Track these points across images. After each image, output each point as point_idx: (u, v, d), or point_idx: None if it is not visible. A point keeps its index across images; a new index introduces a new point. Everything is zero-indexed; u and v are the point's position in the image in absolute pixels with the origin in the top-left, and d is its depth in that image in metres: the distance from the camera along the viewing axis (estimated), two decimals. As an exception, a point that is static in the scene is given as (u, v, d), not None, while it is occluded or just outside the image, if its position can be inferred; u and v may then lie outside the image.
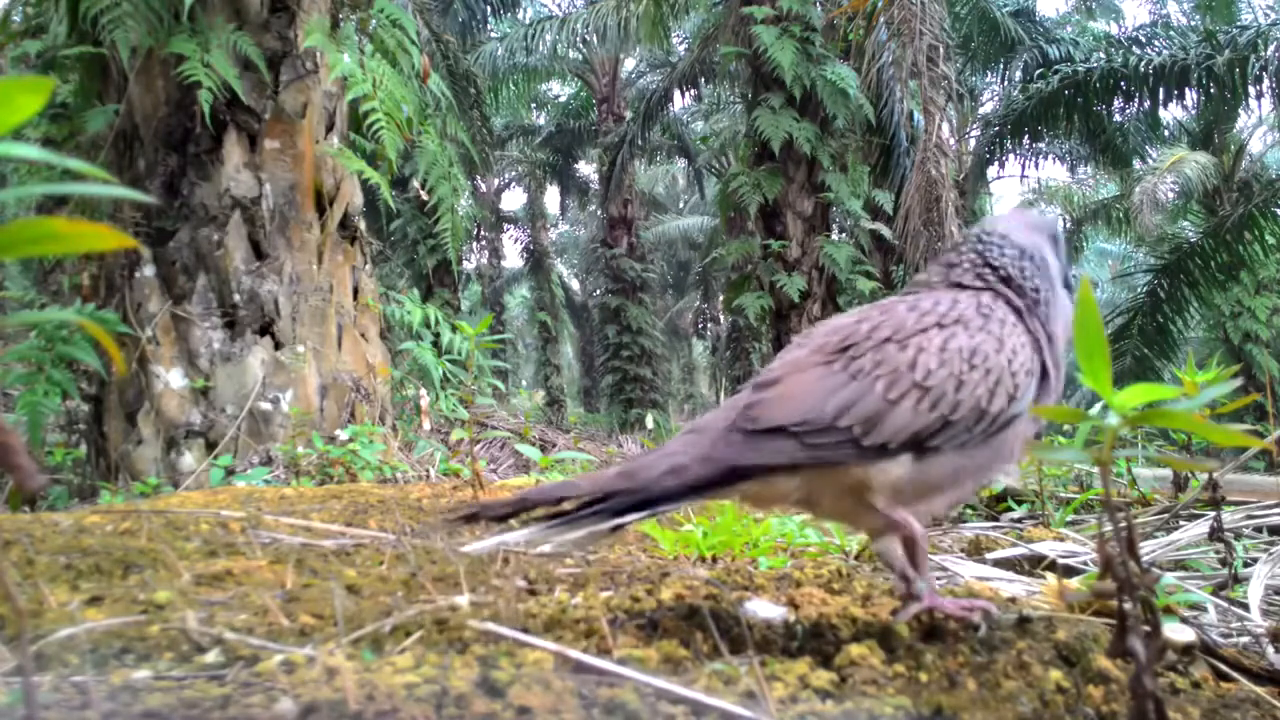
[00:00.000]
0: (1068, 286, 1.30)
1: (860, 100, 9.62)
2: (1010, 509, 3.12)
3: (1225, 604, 1.51)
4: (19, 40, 4.89)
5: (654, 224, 24.94)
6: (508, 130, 21.55)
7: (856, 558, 1.93)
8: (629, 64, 20.83)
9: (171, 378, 4.26)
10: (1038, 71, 13.66)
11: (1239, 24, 13.62)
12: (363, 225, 5.01)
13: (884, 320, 1.17)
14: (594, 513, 1.08)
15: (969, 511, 3.14)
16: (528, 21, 17.70)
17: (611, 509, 1.07)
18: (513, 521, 1.13)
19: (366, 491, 2.53)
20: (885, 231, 10.66)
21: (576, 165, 24.04)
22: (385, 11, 4.88)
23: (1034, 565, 1.92)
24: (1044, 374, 1.19)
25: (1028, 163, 16.85)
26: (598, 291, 21.61)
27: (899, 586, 1.20)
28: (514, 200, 28.62)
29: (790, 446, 1.09)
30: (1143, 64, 11.90)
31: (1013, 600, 1.38)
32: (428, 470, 4.50)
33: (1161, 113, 14.20)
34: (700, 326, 28.88)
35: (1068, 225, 18.95)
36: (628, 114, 18.74)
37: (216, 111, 4.27)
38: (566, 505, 1.10)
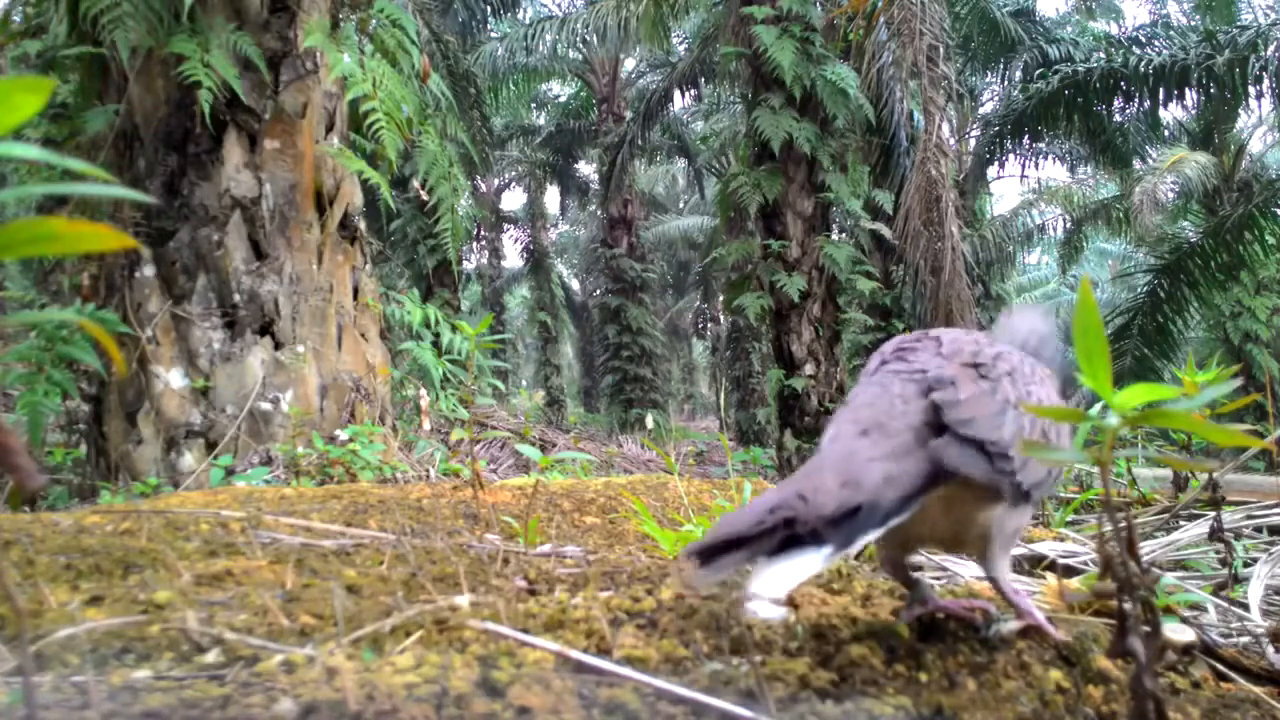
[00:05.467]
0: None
1: (860, 100, 9.62)
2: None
3: (1225, 604, 1.51)
4: (19, 40, 4.90)
5: (654, 224, 24.94)
6: (508, 130, 21.55)
7: (856, 557, 1.93)
8: (629, 64, 20.83)
9: (171, 378, 4.26)
10: (1038, 71, 13.67)
11: (1239, 24, 13.62)
12: (363, 225, 5.02)
13: (999, 351, 1.14)
14: (853, 530, 0.90)
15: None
16: (528, 21, 17.71)
17: (863, 525, 0.91)
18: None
19: (366, 491, 2.53)
20: (885, 231, 10.67)
21: (576, 165, 24.05)
22: (385, 11, 4.88)
23: (1034, 565, 1.92)
24: None
25: (1028, 163, 16.88)
26: (598, 291, 21.62)
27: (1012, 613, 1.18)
28: (514, 200, 28.67)
29: (983, 463, 0.99)
30: (1143, 64, 11.91)
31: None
32: (428, 470, 4.50)
33: (1161, 113, 14.21)
34: (700, 326, 28.87)
35: (1068, 225, 18.97)
36: (628, 114, 18.74)
37: (216, 111, 4.27)
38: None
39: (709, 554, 0.85)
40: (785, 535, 0.86)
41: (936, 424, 1.02)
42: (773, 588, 0.83)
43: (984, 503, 1.06)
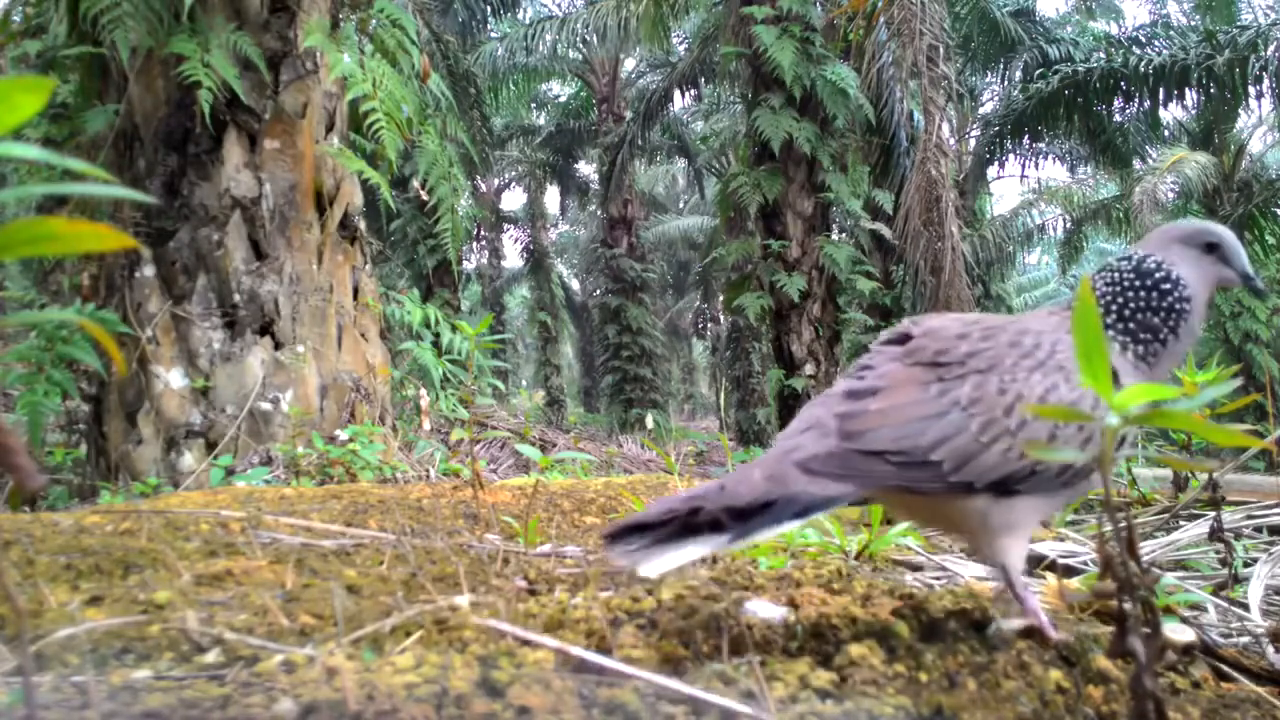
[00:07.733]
0: (1250, 284, 1.22)
1: (860, 100, 9.63)
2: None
3: (1225, 604, 1.51)
4: (19, 40, 4.90)
5: (654, 224, 24.94)
6: (508, 130, 21.56)
7: (856, 558, 1.93)
8: (629, 64, 20.84)
9: (171, 378, 4.26)
10: (1038, 71, 13.69)
11: (1239, 24, 13.63)
12: (363, 225, 5.02)
13: (985, 348, 1.13)
14: (760, 522, 1.00)
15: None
16: (528, 21, 17.72)
17: (774, 518, 1.01)
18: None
19: (366, 491, 2.53)
20: (885, 231, 10.68)
21: (576, 165, 24.07)
22: (385, 11, 4.88)
23: (1034, 565, 1.92)
24: None
25: (1028, 163, 16.90)
26: (598, 291, 21.61)
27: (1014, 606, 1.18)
28: (514, 200, 28.66)
29: (888, 471, 1.06)
30: (1143, 64, 11.93)
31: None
32: (428, 470, 4.50)
33: (1161, 113, 14.23)
34: (700, 326, 28.88)
35: (1068, 225, 18.98)
36: (628, 114, 18.75)
37: (216, 111, 4.27)
38: (728, 513, 1.00)
39: (617, 536, 0.99)
40: (684, 523, 0.98)
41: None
42: (652, 569, 0.96)
43: (948, 499, 1.09)
